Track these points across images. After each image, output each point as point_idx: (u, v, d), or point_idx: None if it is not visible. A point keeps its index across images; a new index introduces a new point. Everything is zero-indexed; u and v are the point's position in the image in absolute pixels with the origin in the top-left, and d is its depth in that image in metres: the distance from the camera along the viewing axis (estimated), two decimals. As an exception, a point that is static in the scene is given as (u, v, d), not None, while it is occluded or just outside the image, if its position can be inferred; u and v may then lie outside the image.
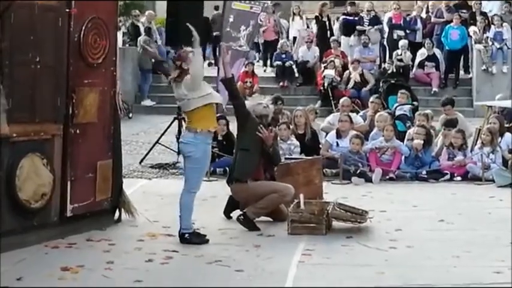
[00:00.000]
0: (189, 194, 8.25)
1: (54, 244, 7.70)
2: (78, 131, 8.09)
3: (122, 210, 8.89)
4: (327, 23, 22.52)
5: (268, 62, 23.52)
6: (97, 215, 8.45)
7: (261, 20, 16.07)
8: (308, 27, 23.47)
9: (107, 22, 8.41)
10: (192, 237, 8.06)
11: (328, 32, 22.30)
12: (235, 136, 9.60)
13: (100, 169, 8.39)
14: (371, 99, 15.08)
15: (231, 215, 9.21)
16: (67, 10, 7.94)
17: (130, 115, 19.58)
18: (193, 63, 8.08)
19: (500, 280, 6.73)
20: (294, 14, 24.11)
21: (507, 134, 12.95)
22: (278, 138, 12.44)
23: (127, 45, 22.00)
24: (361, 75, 20.25)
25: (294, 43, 23.11)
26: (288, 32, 24.54)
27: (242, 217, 8.74)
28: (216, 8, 23.07)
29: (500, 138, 12.70)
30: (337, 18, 23.73)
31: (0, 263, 6.88)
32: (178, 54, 8.53)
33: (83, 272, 6.85)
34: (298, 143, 12.61)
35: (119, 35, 20.67)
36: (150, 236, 8.21)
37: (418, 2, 24.13)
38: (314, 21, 23.07)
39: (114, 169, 8.63)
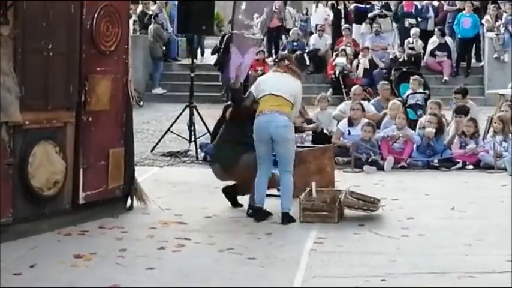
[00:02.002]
0: (290, 174, 8.53)
1: (66, 231, 7.73)
2: (90, 119, 8.10)
3: (134, 197, 8.90)
4: (342, 11, 22.50)
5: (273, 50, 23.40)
6: (109, 202, 8.46)
7: (275, 8, 16.03)
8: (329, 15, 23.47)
9: (119, 10, 8.40)
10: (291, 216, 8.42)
11: (343, 20, 22.28)
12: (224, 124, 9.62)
13: (112, 157, 8.40)
14: (380, 85, 15.15)
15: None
16: (79, -3, 7.96)
17: (142, 103, 19.62)
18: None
19: (513, 268, 6.74)
20: (318, 1, 24.02)
21: (520, 122, 12.92)
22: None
23: (138, 33, 22.00)
24: (370, 60, 20.25)
25: (316, 31, 22.88)
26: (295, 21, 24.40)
27: (251, 211, 8.68)
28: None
29: (512, 127, 12.67)
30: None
31: (13, 250, 6.92)
32: (287, 55, 9.58)
33: (95, 259, 6.87)
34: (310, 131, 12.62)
35: (130, 22, 20.79)
36: (162, 223, 8.23)
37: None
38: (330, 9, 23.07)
39: (126, 157, 8.64)
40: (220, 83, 19.81)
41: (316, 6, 23.81)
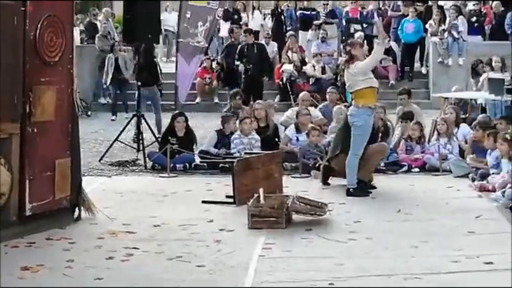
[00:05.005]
0: (354, 156, 10.24)
1: (13, 244, 7.65)
2: (35, 130, 8.05)
3: (82, 208, 8.86)
4: (283, 17, 22.59)
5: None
6: (56, 213, 8.41)
7: (218, 16, 16.13)
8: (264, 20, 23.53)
9: (63, 20, 8.37)
10: (355, 191, 10.14)
11: (284, 27, 22.38)
12: None
13: (59, 167, 8.35)
14: (328, 90, 15.33)
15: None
16: (22, 8, 7.90)
17: (89, 113, 19.53)
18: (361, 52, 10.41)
19: (458, 269, 6.85)
20: (253, 8, 24.09)
21: (463, 125, 13.13)
22: (240, 132, 12.57)
23: (85, 43, 21.90)
24: (323, 68, 20.42)
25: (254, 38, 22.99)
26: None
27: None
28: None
29: (456, 129, 12.86)
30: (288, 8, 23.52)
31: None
32: (350, 42, 10.87)
33: (43, 271, 6.83)
34: (259, 138, 12.70)
35: (77, 33, 20.65)
36: (110, 233, 8.20)
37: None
38: (270, 15, 23.12)
39: (72, 167, 8.60)
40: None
41: (252, 14, 23.87)
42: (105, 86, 19.94)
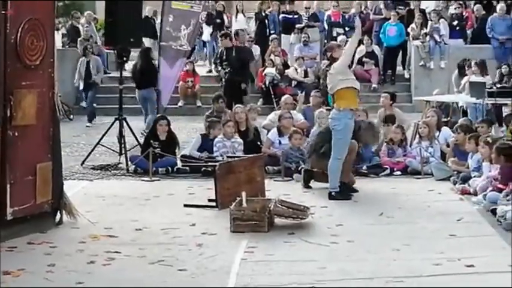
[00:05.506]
0: (336, 160, 10.18)
1: (-6, 248, 7.63)
2: (16, 134, 8.01)
3: (63, 212, 8.82)
4: (266, 20, 22.61)
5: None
6: (38, 217, 8.37)
7: (202, 19, 16.15)
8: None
9: (44, 23, 8.33)
10: (337, 195, 10.09)
11: (267, 30, 22.41)
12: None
13: (40, 171, 8.31)
14: (312, 93, 15.36)
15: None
16: (3, 11, 7.86)
17: (71, 117, 19.48)
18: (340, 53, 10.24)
19: (439, 272, 6.87)
20: (237, 11, 24.10)
21: (445, 128, 13.18)
22: (223, 136, 12.55)
23: (67, 46, 21.84)
24: (305, 71, 20.47)
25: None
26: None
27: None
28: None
29: (438, 132, 12.91)
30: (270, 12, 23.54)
31: None
32: (328, 47, 10.81)
33: (24, 275, 6.80)
34: (241, 141, 12.69)
35: (58, 36, 20.60)
36: (92, 237, 8.17)
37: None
38: (253, 18, 23.13)
39: (54, 171, 8.56)
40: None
41: (236, 17, 23.88)
42: (76, 85, 19.98)
